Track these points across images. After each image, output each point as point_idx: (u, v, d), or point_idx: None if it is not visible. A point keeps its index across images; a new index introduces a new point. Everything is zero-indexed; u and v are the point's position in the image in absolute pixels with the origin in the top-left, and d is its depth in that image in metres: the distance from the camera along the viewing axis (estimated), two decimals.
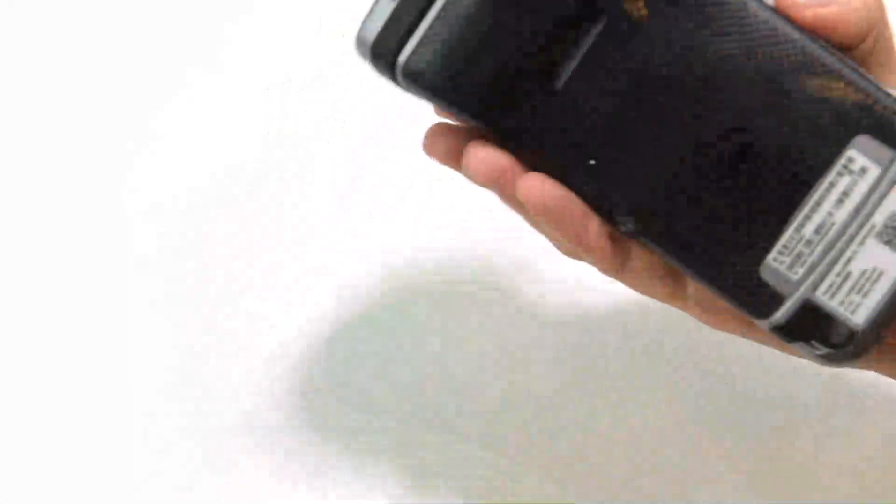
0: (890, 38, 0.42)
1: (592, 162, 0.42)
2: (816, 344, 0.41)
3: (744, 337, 0.45)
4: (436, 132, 0.45)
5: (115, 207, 0.63)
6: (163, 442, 0.58)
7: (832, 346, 0.41)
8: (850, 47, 0.41)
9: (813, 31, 0.41)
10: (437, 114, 0.46)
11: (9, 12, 0.68)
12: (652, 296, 0.46)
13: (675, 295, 0.45)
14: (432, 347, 0.58)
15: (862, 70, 0.41)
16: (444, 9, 0.41)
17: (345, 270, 0.61)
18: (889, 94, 0.40)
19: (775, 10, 0.41)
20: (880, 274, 0.40)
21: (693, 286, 0.45)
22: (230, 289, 0.61)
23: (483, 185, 0.44)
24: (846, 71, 0.40)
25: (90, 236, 0.63)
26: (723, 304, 0.44)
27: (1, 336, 0.61)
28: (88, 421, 0.58)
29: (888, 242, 0.40)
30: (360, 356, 0.59)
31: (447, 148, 0.45)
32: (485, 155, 0.43)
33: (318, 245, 0.62)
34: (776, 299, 0.41)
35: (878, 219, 0.40)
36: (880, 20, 0.41)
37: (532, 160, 0.42)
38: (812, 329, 0.41)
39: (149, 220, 0.63)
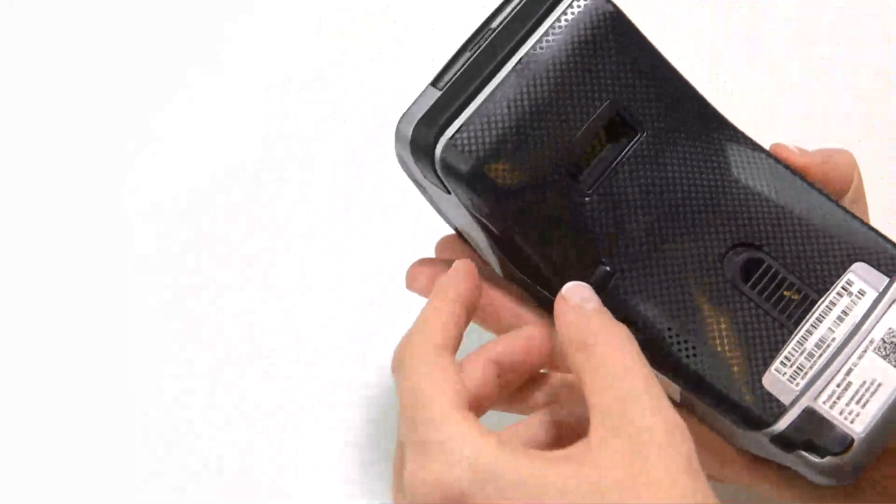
0: (863, 190, 0.48)
1: (608, 268, 0.43)
2: (815, 454, 0.42)
3: (746, 485, 0.46)
4: (418, 266, 0.49)
5: (116, 207, 0.64)
6: (162, 441, 0.58)
7: (832, 454, 0.41)
8: (835, 195, 0.46)
9: (805, 176, 0.45)
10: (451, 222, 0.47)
11: (9, 12, 0.69)
12: None
13: None
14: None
15: (849, 210, 0.45)
16: (484, 104, 0.43)
17: (344, 270, 0.61)
18: (879, 232, 0.44)
19: (775, 157, 0.45)
20: (879, 385, 0.42)
21: (697, 428, 0.45)
22: (230, 288, 0.61)
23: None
24: (840, 209, 0.44)
25: (90, 236, 0.63)
26: (725, 446, 0.45)
27: (1, 334, 0.61)
28: (85, 420, 0.58)
29: (886, 357, 0.42)
30: (359, 355, 0.59)
31: (428, 279, 0.48)
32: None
33: (317, 245, 0.62)
34: (777, 409, 0.42)
35: (876, 335, 0.43)
36: (857, 173, 0.47)
37: (540, 264, 0.43)
38: (811, 438, 0.42)
39: (149, 219, 0.63)
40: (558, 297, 0.42)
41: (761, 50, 0.65)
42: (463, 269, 0.43)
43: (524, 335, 0.43)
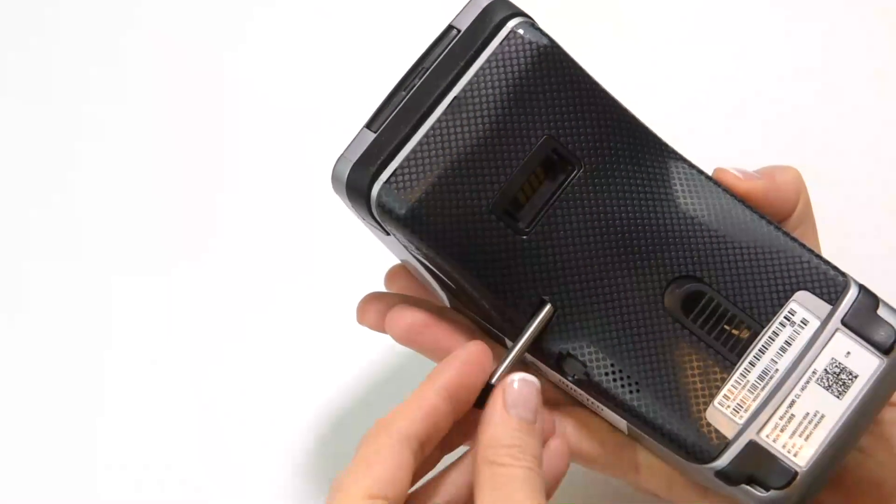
0: (809, 207, 0.47)
1: (549, 305, 0.43)
2: (759, 488, 0.42)
3: None
4: (368, 301, 0.49)
5: (115, 206, 0.64)
6: (161, 430, 0.58)
7: (775, 488, 0.41)
8: (781, 216, 0.46)
9: (748, 201, 0.45)
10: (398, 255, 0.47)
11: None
12: (601, 467, 0.47)
13: (626, 466, 0.46)
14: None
15: (794, 236, 0.44)
16: (419, 146, 0.42)
17: (345, 271, 0.61)
18: (821, 257, 0.44)
19: (718, 183, 0.45)
20: (822, 417, 0.42)
21: (643, 454, 0.46)
22: (230, 288, 0.61)
23: (400, 342, 0.47)
24: (783, 236, 0.44)
25: (90, 234, 0.63)
26: (673, 471, 0.45)
27: (1, 335, 0.61)
28: (85, 420, 0.59)
29: (829, 387, 0.42)
30: (360, 355, 0.59)
31: (377, 314, 0.48)
32: (401, 314, 0.46)
33: (319, 245, 0.62)
34: (721, 443, 0.42)
35: (819, 365, 0.42)
36: (803, 191, 0.47)
37: (482, 301, 0.43)
38: (755, 473, 0.42)
39: (146, 218, 0.63)
40: (500, 384, 0.41)
41: (752, 48, 0.65)
42: (460, 357, 0.42)
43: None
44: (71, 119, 0.66)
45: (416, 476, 0.41)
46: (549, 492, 0.41)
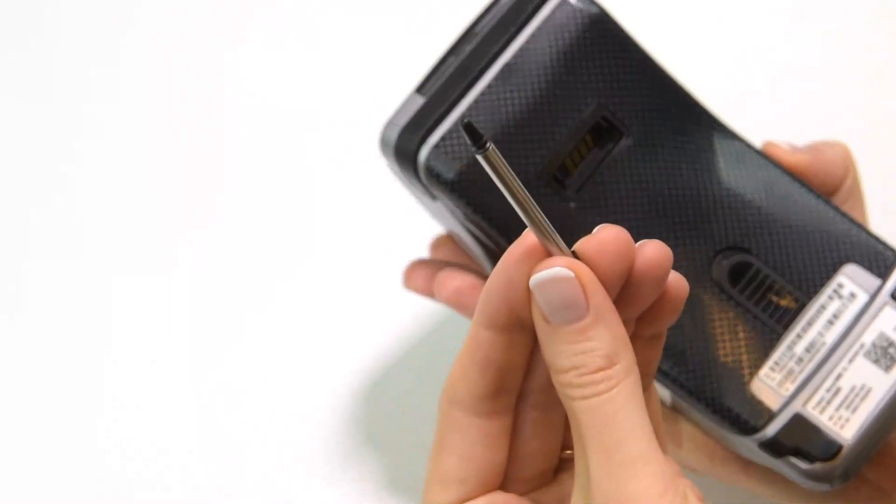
0: (858, 182, 0.47)
1: None
2: (803, 460, 0.41)
3: (736, 483, 0.46)
4: (415, 266, 0.49)
5: (111, 205, 0.64)
6: (161, 430, 0.58)
7: (820, 460, 0.41)
8: (829, 190, 0.46)
9: (797, 174, 0.45)
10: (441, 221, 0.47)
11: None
12: None
13: (668, 440, 0.45)
14: (429, 349, 0.58)
15: (843, 210, 0.44)
16: (468, 111, 0.42)
17: (345, 271, 0.61)
18: (870, 232, 0.44)
19: (766, 156, 0.45)
20: (869, 390, 0.42)
21: (686, 426, 0.45)
22: (230, 287, 0.61)
23: (448, 304, 0.47)
24: (831, 209, 0.44)
25: (92, 236, 0.63)
26: (715, 445, 0.44)
27: (3, 337, 0.61)
28: (85, 420, 0.59)
29: (876, 361, 0.42)
30: (360, 355, 0.59)
31: (424, 279, 0.48)
32: (450, 276, 0.46)
33: (319, 245, 0.62)
34: (766, 415, 0.42)
35: (867, 339, 0.42)
36: (852, 166, 0.46)
37: None
38: (800, 445, 0.41)
39: (140, 216, 0.63)
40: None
41: (752, 48, 0.65)
42: (498, 274, 0.32)
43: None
44: (71, 119, 0.66)
45: None
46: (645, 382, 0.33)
